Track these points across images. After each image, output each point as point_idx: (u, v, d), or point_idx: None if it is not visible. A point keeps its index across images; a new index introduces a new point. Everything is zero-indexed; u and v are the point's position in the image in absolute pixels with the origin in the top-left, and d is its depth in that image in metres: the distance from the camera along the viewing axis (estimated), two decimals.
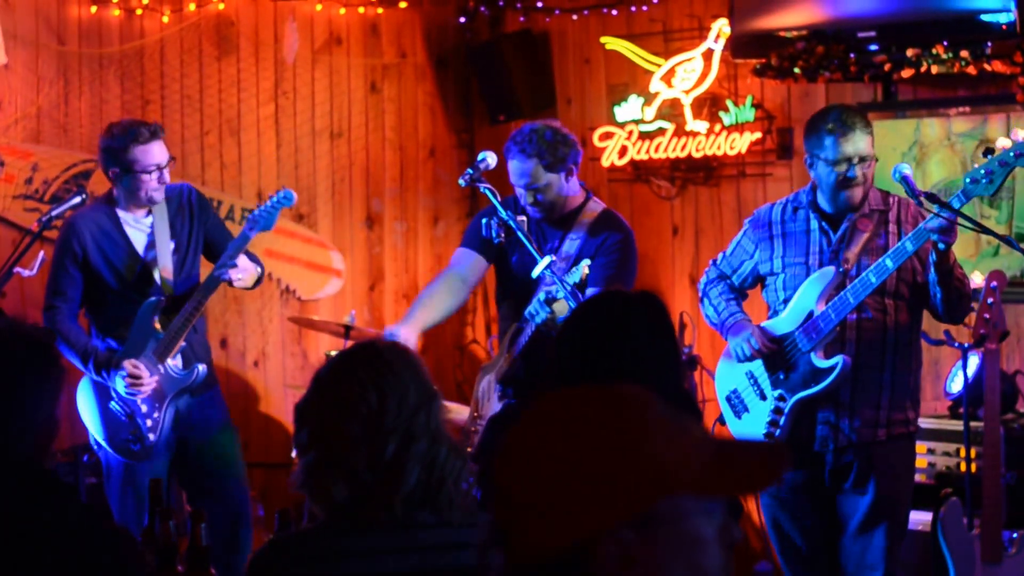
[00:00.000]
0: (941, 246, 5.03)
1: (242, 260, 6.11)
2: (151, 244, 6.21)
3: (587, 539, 1.71)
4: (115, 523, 3.14)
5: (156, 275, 6.18)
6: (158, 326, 6.13)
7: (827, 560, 5.48)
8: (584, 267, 5.41)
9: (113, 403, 6.16)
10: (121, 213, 6.23)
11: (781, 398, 5.38)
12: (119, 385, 6.11)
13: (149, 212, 6.24)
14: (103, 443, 6.20)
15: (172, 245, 6.22)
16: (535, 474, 1.74)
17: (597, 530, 1.70)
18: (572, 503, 1.71)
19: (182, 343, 6.15)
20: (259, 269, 6.28)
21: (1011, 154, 5.03)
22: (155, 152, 6.09)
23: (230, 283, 6.12)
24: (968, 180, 5.12)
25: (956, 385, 6.58)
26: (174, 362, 6.16)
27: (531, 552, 1.73)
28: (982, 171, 5.08)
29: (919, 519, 5.96)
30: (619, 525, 1.71)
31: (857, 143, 5.29)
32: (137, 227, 6.25)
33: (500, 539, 1.77)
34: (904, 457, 5.47)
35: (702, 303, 5.72)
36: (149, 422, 6.16)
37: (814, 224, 5.43)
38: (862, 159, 5.29)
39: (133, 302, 6.16)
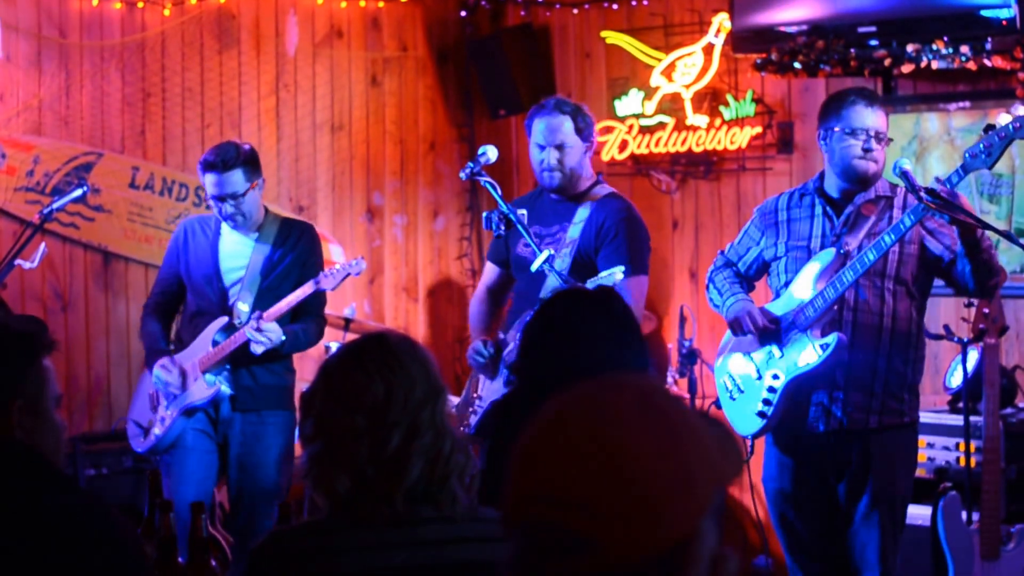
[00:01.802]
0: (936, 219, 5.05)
1: (272, 329, 6.05)
2: (241, 271, 6.20)
3: (686, 539, 1.71)
4: (116, 514, 3.12)
5: (232, 301, 6.18)
6: (218, 339, 6.13)
7: (833, 554, 5.48)
8: (617, 272, 5.44)
9: (152, 390, 6.23)
10: (225, 230, 6.24)
11: (775, 377, 5.39)
12: (155, 375, 6.16)
13: (257, 232, 6.22)
14: (130, 418, 6.31)
15: (259, 280, 6.19)
16: (617, 479, 1.70)
17: (693, 528, 1.71)
18: (670, 503, 1.70)
19: (225, 362, 6.14)
20: (282, 339, 6.12)
21: (1010, 127, 5.04)
22: (216, 184, 6.06)
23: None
24: (968, 155, 5.13)
25: (955, 380, 6.59)
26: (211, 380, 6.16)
27: (627, 558, 1.69)
28: (981, 145, 5.08)
29: (918, 514, 5.97)
30: (703, 520, 1.72)
31: (877, 118, 5.33)
32: (236, 243, 6.24)
33: (577, 547, 1.70)
34: (903, 452, 5.44)
35: (708, 289, 5.73)
36: (161, 418, 6.19)
37: (818, 209, 5.44)
38: (878, 134, 5.31)
39: (211, 315, 6.18)
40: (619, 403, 1.76)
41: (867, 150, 5.31)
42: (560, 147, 5.88)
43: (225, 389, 6.14)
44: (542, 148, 5.91)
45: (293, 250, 6.24)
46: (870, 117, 5.33)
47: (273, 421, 6.25)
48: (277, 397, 6.28)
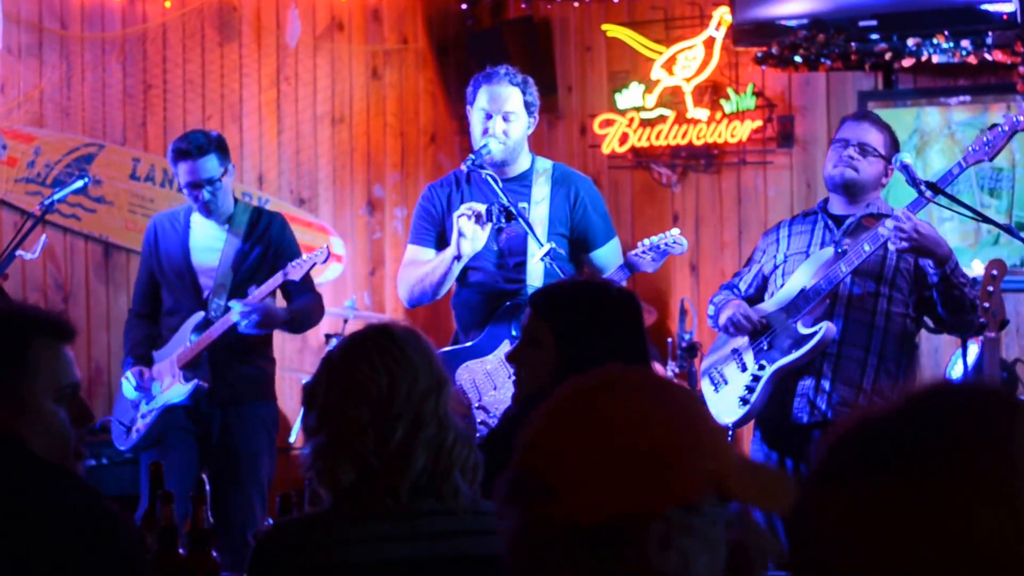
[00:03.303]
0: (893, 247, 5.08)
1: (267, 305, 6.02)
2: (215, 264, 6.14)
3: (643, 514, 1.73)
4: (115, 506, 3.12)
5: (206, 293, 6.14)
6: (193, 338, 6.09)
7: None
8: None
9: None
10: (195, 217, 6.19)
11: (761, 367, 5.40)
12: (127, 383, 6.16)
13: (228, 223, 6.16)
14: (114, 417, 6.28)
15: (231, 275, 6.13)
16: (604, 440, 1.74)
17: (654, 507, 1.73)
18: (638, 476, 1.73)
19: (202, 357, 6.09)
20: (281, 319, 6.10)
21: (1015, 118, 5.08)
22: (191, 171, 5.98)
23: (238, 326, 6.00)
24: (971, 148, 5.16)
25: (956, 373, 6.60)
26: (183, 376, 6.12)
27: (580, 514, 1.73)
28: (985, 138, 5.12)
29: None
30: (672, 507, 1.74)
31: (865, 131, 5.37)
32: (206, 236, 6.19)
33: (542, 493, 1.76)
34: None
35: (708, 314, 5.71)
36: (142, 415, 6.17)
37: (820, 224, 5.47)
38: (863, 146, 5.33)
39: (187, 311, 6.15)
40: (630, 382, 1.82)
41: (849, 157, 5.34)
42: (507, 116, 5.68)
43: (204, 385, 6.11)
44: (488, 116, 5.69)
45: (262, 241, 6.18)
46: (856, 130, 5.39)
47: (254, 412, 6.22)
48: (257, 388, 6.26)
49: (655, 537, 1.74)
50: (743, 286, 5.68)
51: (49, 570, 2.91)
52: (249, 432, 6.21)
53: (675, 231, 5.51)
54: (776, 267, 5.54)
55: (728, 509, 1.79)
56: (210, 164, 6.00)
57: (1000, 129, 5.10)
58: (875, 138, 5.38)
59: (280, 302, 6.31)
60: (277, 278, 6.01)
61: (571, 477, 1.75)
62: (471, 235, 5.48)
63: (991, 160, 5.21)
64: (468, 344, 5.73)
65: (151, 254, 6.26)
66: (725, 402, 5.47)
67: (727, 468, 1.78)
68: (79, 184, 6.34)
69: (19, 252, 6.22)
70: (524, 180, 5.76)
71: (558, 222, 5.68)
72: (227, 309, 6.04)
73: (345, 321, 7.57)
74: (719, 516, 1.77)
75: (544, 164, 5.82)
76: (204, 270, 6.16)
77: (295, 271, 6.00)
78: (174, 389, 6.10)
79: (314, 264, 6.02)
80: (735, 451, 1.82)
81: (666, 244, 5.45)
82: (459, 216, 5.48)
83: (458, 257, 5.55)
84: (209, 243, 6.18)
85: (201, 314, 6.11)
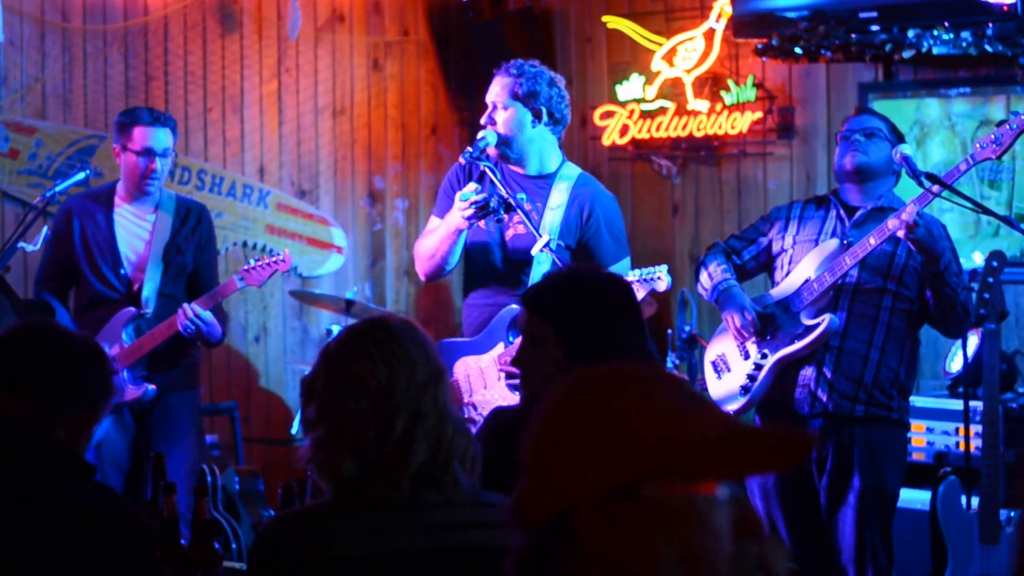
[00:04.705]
0: (904, 235, 5.09)
1: (208, 315, 5.89)
2: (142, 252, 6.04)
3: (570, 507, 1.74)
4: (131, 505, 3.15)
5: (135, 286, 6.03)
6: (125, 337, 5.96)
7: (813, 554, 5.43)
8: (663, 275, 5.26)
9: None
10: (119, 208, 6.10)
11: (763, 356, 5.40)
12: None
13: (155, 212, 6.08)
14: None
15: (162, 266, 6.03)
16: (536, 443, 1.80)
17: (578, 499, 1.73)
18: (559, 472, 1.75)
19: (144, 357, 5.98)
20: (218, 334, 6.00)
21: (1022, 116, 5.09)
22: (156, 138, 5.91)
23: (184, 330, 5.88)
24: (979, 145, 5.17)
25: (955, 364, 6.61)
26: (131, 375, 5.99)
27: (526, 518, 1.77)
28: (992, 136, 5.12)
29: (917, 498, 5.98)
30: (601, 496, 1.73)
31: (864, 121, 5.44)
32: (133, 226, 6.09)
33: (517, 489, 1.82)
34: (889, 447, 5.37)
35: (698, 271, 5.67)
36: None
37: (832, 212, 5.47)
38: (865, 130, 5.36)
39: (112, 302, 6.03)
40: (572, 383, 1.86)
41: (856, 142, 5.36)
42: (491, 107, 5.59)
43: (151, 388, 5.97)
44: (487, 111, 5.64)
45: (193, 234, 6.12)
46: (857, 121, 5.47)
47: (181, 400, 6.13)
48: (186, 377, 6.18)
49: (592, 527, 1.74)
50: (745, 255, 5.65)
51: (68, 564, 2.94)
52: (177, 422, 6.11)
53: (663, 267, 5.25)
54: (784, 250, 5.54)
55: (721, 493, 1.76)
56: (168, 136, 5.97)
57: (1008, 127, 5.10)
58: (877, 123, 5.41)
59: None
60: (232, 283, 5.92)
61: (527, 478, 1.81)
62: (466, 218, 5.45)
63: (998, 158, 5.21)
64: (469, 339, 5.70)
65: (67, 239, 6.11)
66: (727, 389, 5.48)
67: (669, 451, 1.73)
68: (80, 176, 6.33)
69: (21, 244, 6.23)
70: (546, 182, 5.65)
71: (567, 232, 5.57)
72: (166, 308, 5.94)
73: (346, 313, 7.57)
74: (698, 501, 1.75)
75: (571, 171, 5.69)
76: (132, 260, 6.07)
77: (253, 276, 5.91)
78: (125, 390, 5.96)
79: (275, 272, 5.93)
80: (702, 432, 1.75)
81: (650, 278, 5.22)
82: (461, 198, 5.44)
83: (461, 228, 5.53)
84: (136, 231, 6.09)
85: (132, 310, 6.00)
